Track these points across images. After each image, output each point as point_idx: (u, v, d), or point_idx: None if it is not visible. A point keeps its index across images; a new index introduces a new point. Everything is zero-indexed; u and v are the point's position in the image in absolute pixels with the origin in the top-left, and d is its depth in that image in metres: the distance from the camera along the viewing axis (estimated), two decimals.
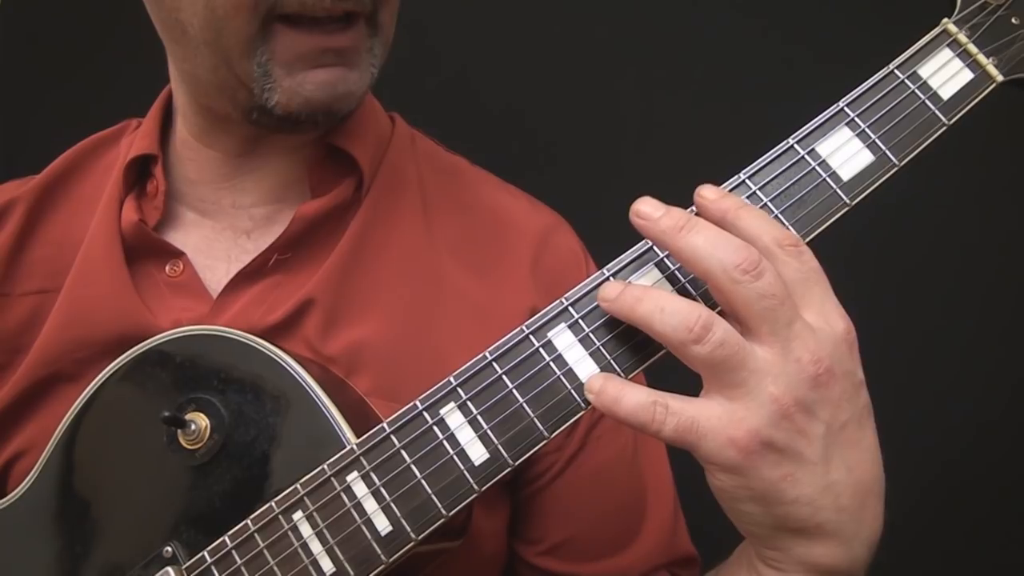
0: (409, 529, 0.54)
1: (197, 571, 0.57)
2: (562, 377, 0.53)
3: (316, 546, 0.55)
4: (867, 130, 0.55)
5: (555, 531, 0.73)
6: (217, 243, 0.74)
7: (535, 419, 0.53)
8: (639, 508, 0.74)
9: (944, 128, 0.55)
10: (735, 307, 0.48)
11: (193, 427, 0.59)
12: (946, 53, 0.56)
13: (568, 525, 0.72)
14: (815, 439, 0.47)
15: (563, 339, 0.54)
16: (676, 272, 0.54)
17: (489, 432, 0.53)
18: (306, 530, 0.55)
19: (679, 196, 0.56)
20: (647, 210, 0.50)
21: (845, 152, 0.55)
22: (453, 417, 0.54)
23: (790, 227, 0.54)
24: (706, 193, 0.52)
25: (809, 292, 0.49)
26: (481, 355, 0.55)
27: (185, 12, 0.63)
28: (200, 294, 0.71)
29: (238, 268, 0.71)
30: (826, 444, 0.47)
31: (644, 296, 0.49)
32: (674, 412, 0.47)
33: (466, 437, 0.54)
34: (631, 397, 0.48)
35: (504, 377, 0.54)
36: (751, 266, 0.46)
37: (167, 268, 0.72)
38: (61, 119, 0.99)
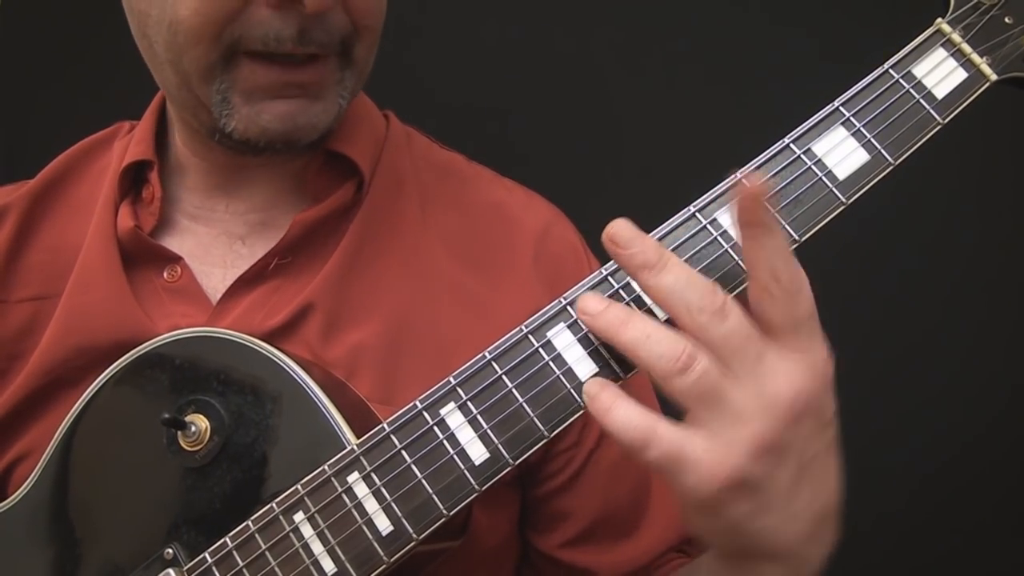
0: (410, 529, 0.54)
1: (198, 572, 0.57)
2: (561, 377, 0.53)
3: (317, 547, 0.55)
4: (862, 129, 0.55)
5: (575, 523, 0.73)
6: (213, 249, 0.74)
7: (535, 419, 0.53)
8: (647, 488, 0.74)
9: (939, 127, 0.55)
10: (707, 348, 0.48)
11: (193, 429, 0.59)
12: (940, 53, 0.57)
13: (588, 515, 0.73)
14: (786, 474, 0.48)
15: (562, 339, 0.54)
16: None
17: (489, 432, 0.54)
18: (307, 531, 0.55)
19: (678, 197, 0.57)
20: (623, 238, 0.50)
21: (841, 151, 0.55)
22: (453, 417, 0.55)
23: (788, 227, 0.54)
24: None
25: (803, 323, 0.48)
26: (481, 355, 0.55)
27: (152, 29, 0.64)
28: (199, 299, 0.71)
29: (235, 273, 0.71)
30: (796, 478, 0.48)
31: (630, 321, 0.49)
32: (661, 439, 0.47)
33: (466, 437, 0.54)
34: (622, 411, 0.48)
35: (504, 377, 0.54)
36: (717, 308, 0.47)
37: (165, 273, 0.72)
38: (61, 119, 0.99)
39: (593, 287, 0.55)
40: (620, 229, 0.50)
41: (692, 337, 0.48)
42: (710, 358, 0.47)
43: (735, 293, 0.52)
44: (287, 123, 0.65)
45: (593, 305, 0.51)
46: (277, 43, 0.62)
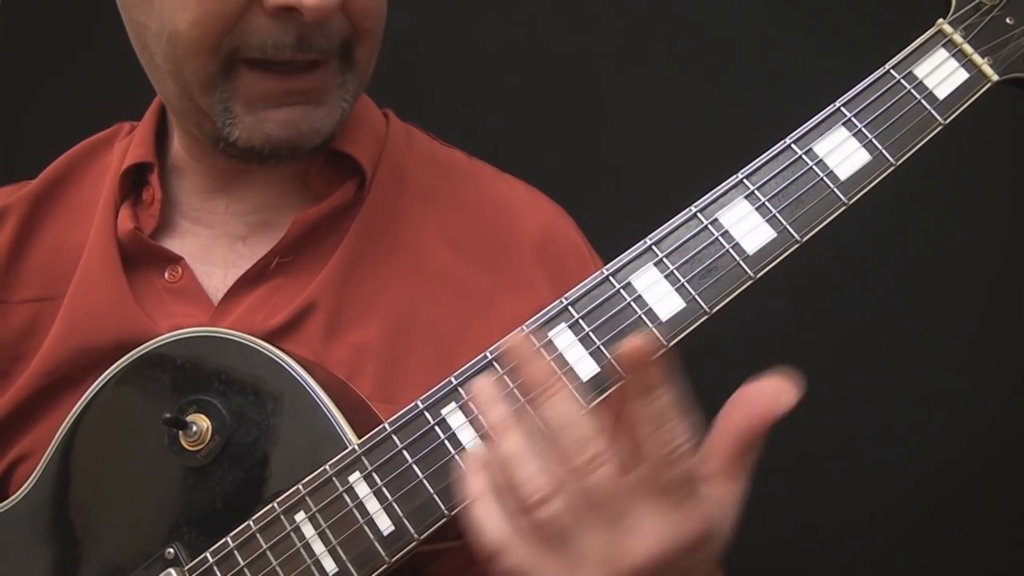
0: (411, 529, 0.54)
1: (199, 572, 0.57)
2: (563, 377, 0.53)
3: (319, 546, 0.55)
4: (864, 130, 0.55)
5: None
6: (214, 249, 0.74)
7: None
8: None
9: (940, 127, 0.55)
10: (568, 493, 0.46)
11: (194, 428, 0.59)
12: (941, 53, 0.57)
13: None
14: None
15: (563, 338, 0.54)
16: (675, 272, 0.54)
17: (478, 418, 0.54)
18: (308, 531, 0.55)
19: (678, 197, 0.57)
20: (519, 354, 0.48)
21: (842, 152, 0.55)
22: (455, 417, 0.55)
23: (789, 228, 0.54)
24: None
25: (672, 490, 0.45)
26: (482, 355, 0.55)
27: (151, 41, 0.64)
28: (200, 299, 0.71)
29: (236, 273, 0.71)
30: None
31: (507, 434, 0.47)
32: (515, 554, 0.46)
33: (468, 437, 0.54)
34: (485, 509, 0.48)
35: (505, 377, 0.54)
36: (584, 461, 0.45)
37: (166, 274, 0.72)
38: (61, 119, 0.99)
39: (594, 287, 0.55)
40: (513, 349, 0.48)
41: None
42: (567, 502, 0.45)
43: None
44: (290, 130, 0.65)
45: (484, 394, 0.50)
46: (276, 51, 0.62)
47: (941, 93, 0.56)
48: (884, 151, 0.55)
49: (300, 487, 0.56)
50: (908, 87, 0.56)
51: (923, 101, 0.56)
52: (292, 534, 0.56)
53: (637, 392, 0.45)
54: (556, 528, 0.46)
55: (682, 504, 0.45)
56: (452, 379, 0.55)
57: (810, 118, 0.56)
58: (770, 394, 0.46)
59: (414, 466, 0.54)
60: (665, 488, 0.45)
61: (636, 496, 0.45)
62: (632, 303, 0.54)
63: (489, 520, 0.47)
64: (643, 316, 0.54)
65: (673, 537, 0.45)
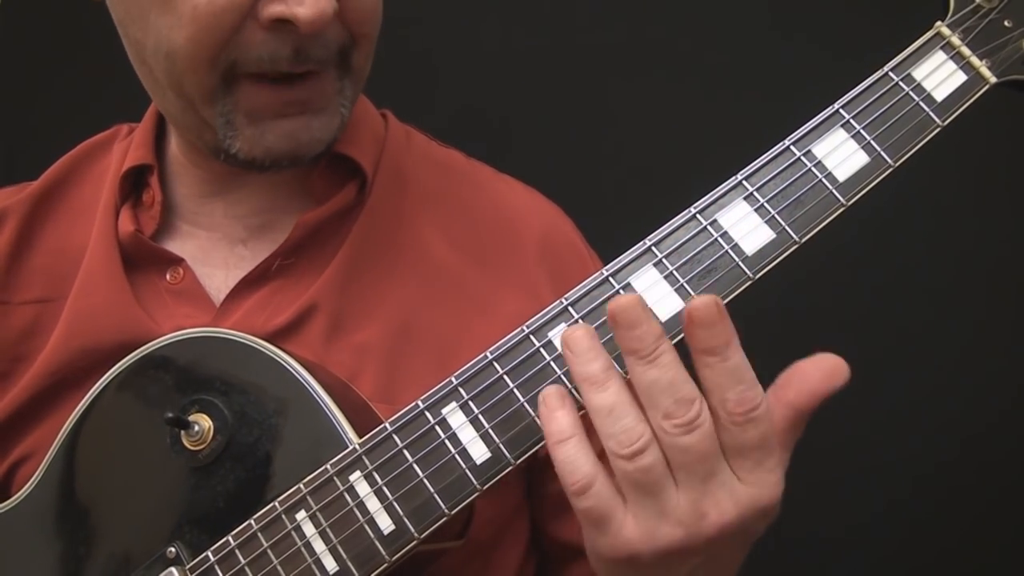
0: (412, 528, 0.54)
1: (200, 571, 0.57)
2: (563, 377, 0.54)
3: (319, 545, 0.55)
4: (862, 132, 0.56)
5: None
6: (214, 251, 0.74)
7: (536, 418, 0.53)
8: None
9: (938, 129, 0.56)
10: (663, 446, 0.47)
11: (196, 428, 0.60)
12: (940, 55, 0.57)
13: None
14: (684, 570, 0.50)
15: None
16: (674, 272, 0.55)
17: (491, 431, 0.54)
18: (309, 529, 0.56)
19: (677, 198, 0.57)
20: (628, 319, 0.47)
21: (841, 153, 0.56)
22: (455, 417, 0.55)
23: (788, 229, 0.54)
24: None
25: (750, 453, 0.47)
26: (482, 355, 0.55)
27: (150, 57, 0.64)
28: (202, 300, 0.72)
29: (237, 275, 0.71)
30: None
31: (604, 385, 0.48)
32: (597, 494, 0.48)
33: (468, 436, 0.54)
34: (572, 449, 0.48)
35: (505, 377, 0.54)
36: (685, 420, 0.46)
37: (167, 275, 0.73)
38: (61, 120, 0.99)
39: (594, 288, 0.55)
40: (628, 309, 0.47)
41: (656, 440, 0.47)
42: (661, 455, 0.47)
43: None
44: (290, 142, 0.65)
45: (583, 346, 0.50)
46: (273, 64, 0.62)
47: (939, 95, 0.56)
48: (883, 153, 0.55)
49: (301, 486, 0.56)
50: (906, 89, 0.56)
51: (921, 103, 0.56)
52: (293, 533, 0.56)
53: (709, 351, 0.46)
54: (647, 480, 0.47)
55: (761, 465, 0.47)
56: (452, 379, 0.55)
57: (809, 120, 0.56)
58: (825, 370, 0.48)
59: (415, 465, 0.55)
60: (744, 449, 0.47)
61: (723, 458, 0.47)
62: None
63: (578, 459, 0.48)
64: None
65: (754, 499, 0.47)
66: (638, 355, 0.47)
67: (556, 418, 0.49)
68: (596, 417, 0.48)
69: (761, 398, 0.47)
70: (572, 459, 0.48)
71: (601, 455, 0.49)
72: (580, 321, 0.54)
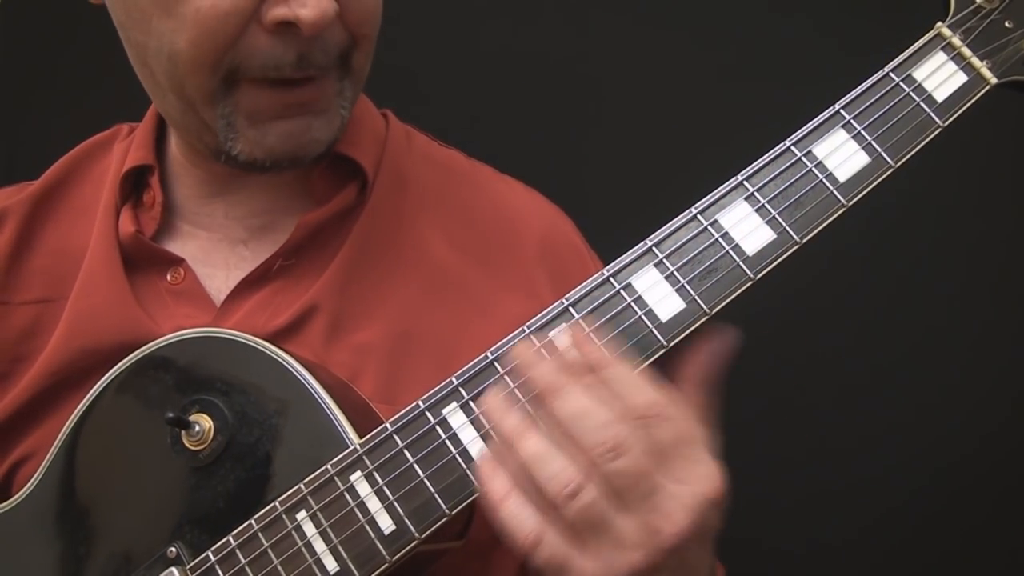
0: (412, 528, 0.54)
1: (201, 571, 0.57)
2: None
3: (320, 545, 0.55)
4: (863, 132, 0.56)
5: None
6: (215, 252, 0.74)
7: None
8: None
9: (939, 130, 0.56)
10: (599, 478, 0.47)
11: (197, 428, 0.59)
12: (940, 56, 0.57)
13: None
14: None
15: (564, 339, 0.54)
16: (675, 273, 0.55)
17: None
18: (310, 529, 0.56)
19: (678, 199, 0.57)
20: (523, 363, 0.51)
21: (841, 154, 0.56)
22: (455, 417, 0.55)
23: (789, 229, 0.54)
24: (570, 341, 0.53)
25: (676, 457, 0.48)
26: (482, 355, 0.55)
27: (151, 59, 0.64)
28: (202, 301, 0.71)
29: (238, 276, 0.71)
30: None
31: (524, 437, 0.49)
32: (550, 545, 0.47)
33: (468, 436, 0.54)
34: (514, 507, 0.48)
35: (506, 377, 0.54)
36: (611, 445, 0.46)
37: (168, 276, 0.73)
38: (61, 120, 0.99)
39: (594, 288, 0.55)
40: (518, 354, 0.51)
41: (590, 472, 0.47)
42: (600, 487, 0.47)
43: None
44: (291, 143, 0.65)
45: (494, 407, 0.51)
46: (277, 71, 0.62)
47: (940, 96, 0.56)
48: (883, 153, 0.55)
49: (301, 486, 0.56)
50: (907, 90, 0.56)
51: (922, 104, 0.56)
52: (293, 533, 0.56)
53: (581, 375, 0.48)
54: (591, 517, 0.47)
55: (690, 458, 0.48)
56: (453, 379, 0.55)
57: (810, 120, 0.56)
58: (713, 341, 0.51)
59: (415, 465, 0.55)
60: (666, 450, 0.47)
61: (661, 473, 0.47)
62: (632, 304, 0.55)
63: (520, 518, 0.48)
64: (643, 317, 0.55)
65: (698, 495, 0.47)
66: (548, 394, 0.49)
67: (492, 482, 0.50)
68: (531, 469, 0.48)
69: (659, 395, 0.48)
70: (515, 516, 0.48)
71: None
72: (581, 323, 0.54)
